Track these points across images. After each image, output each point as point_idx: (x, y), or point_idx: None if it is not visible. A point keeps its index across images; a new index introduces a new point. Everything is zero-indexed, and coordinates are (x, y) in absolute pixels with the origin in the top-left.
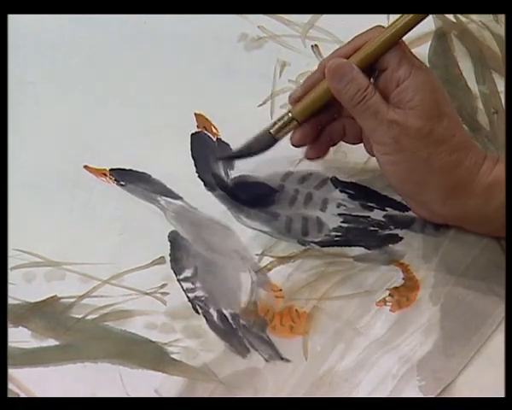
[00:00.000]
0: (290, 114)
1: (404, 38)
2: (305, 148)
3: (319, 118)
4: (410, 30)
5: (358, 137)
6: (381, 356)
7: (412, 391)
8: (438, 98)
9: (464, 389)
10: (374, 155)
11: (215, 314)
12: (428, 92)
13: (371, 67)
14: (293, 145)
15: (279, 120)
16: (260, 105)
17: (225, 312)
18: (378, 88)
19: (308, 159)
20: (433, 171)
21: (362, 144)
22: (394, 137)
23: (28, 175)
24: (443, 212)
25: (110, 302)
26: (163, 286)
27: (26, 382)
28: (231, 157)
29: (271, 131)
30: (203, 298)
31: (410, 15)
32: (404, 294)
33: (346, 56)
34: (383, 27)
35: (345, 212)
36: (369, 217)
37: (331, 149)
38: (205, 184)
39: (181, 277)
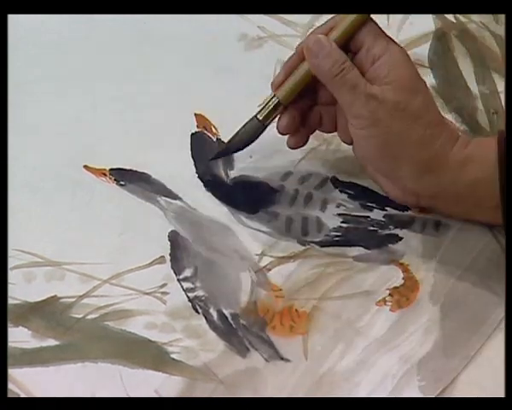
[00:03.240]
0: (275, 98)
1: (404, 38)
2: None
3: (301, 103)
4: None
5: (334, 125)
6: (380, 356)
7: (412, 391)
8: (412, 74)
9: (464, 389)
10: (348, 143)
11: (215, 314)
12: (403, 68)
13: (347, 48)
14: (279, 132)
15: (265, 105)
16: (260, 105)
17: (225, 312)
18: None
19: (290, 148)
20: (407, 145)
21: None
22: (371, 110)
23: (28, 175)
24: (416, 188)
25: (110, 302)
26: (163, 286)
27: (26, 382)
28: (224, 153)
29: (259, 116)
30: (203, 298)
31: None
32: (404, 294)
33: (324, 34)
34: None
35: (344, 212)
36: (368, 217)
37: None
38: (205, 185)
39: (181, 276)
